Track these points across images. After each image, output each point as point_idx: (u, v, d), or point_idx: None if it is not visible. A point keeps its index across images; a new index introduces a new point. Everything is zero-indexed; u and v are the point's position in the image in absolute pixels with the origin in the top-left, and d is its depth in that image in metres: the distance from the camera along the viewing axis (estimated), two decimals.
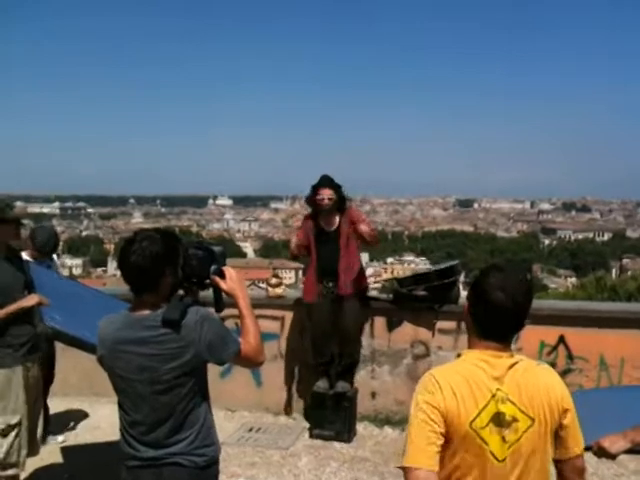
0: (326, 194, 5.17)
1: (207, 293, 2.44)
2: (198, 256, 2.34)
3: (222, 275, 2.37)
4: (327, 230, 5.29)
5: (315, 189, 5.23)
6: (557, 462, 1.95)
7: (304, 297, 5.46)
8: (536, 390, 1.86)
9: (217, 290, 2.39)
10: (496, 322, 1.89)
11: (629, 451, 2.21)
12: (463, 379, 1.85)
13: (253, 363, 2.40)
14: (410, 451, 1.82)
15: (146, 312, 2.21)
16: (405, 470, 1.81)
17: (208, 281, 2.36)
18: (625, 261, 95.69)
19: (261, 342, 2.36)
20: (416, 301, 5.45)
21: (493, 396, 1.83)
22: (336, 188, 5.21)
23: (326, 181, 5.22)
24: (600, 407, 1.99)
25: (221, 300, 2.43)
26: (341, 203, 5.23)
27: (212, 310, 2.34)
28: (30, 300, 3.58)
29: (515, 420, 1.83)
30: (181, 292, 2.32)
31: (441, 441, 1.82)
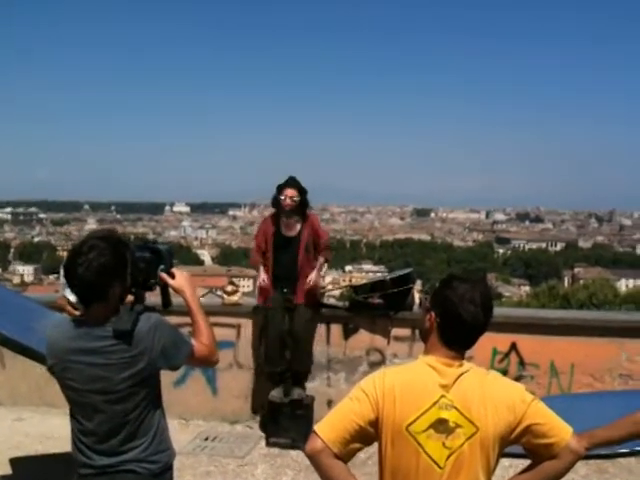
0: (289, 194, 5.18)
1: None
2: (146, 259, 2.31)
3: (170, 274, 2.35)
4: (287, 235, 5.29)
5: (280, 189, 5.24)
6: (553, 458, 1.88)
7: (258, 300, 5.46)
8: (482, 399, 1.86)
9: (164, 287, 2.36)
10: (463, 333, 1.93)
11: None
12: (409, 382, 1.89)
13: (207, 363, 2.40)
14: (327, 423, 1.89)
15: (94, 323, 2.17)
16: (313, 433, 1.89)
17: (153, 281, 2.32)
18: (577, 270, 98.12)
19: (214, 341, 2.36)
20: (372, 309, 5.49)
21: (435, 402, 1.85)
22: (301, 190, 5.22)
23: (291, 181, 5.25)
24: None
25: (167, 296, 2.40)
26: (303, 207, 5.24)
27: (159, 315, 2.27)
28: None
29: (458, 426, 1.84)
30: (130, 298, 2.27)
31: (358, 435, 1.87)
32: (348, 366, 5.69)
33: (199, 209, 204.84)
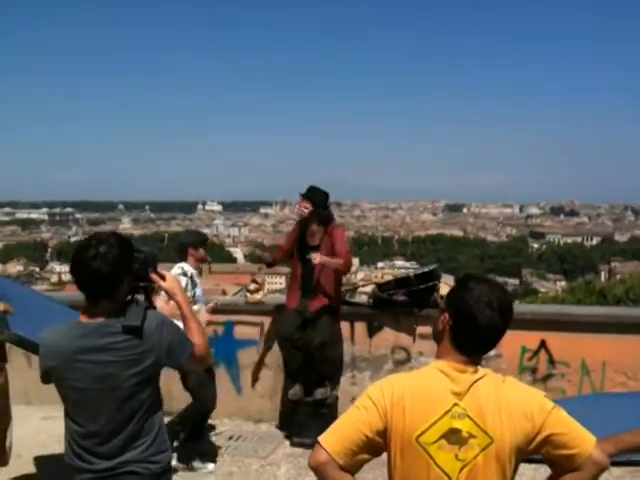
0: (302, 205, 5.25)
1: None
2: (139, 260, 2.29)
3: (160, 276, 2.34)
4: (310, 243, 5.24)
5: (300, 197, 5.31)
6: (575, 470, 1.77)
7: (286, 303, 5.41)
8: (497, 408, 1.75)
9: (147, 293, 2.35)
10: (478, 338, 1.81)
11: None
12: (420, 390, 1.78)
13: (204, 363, 2.38)
14: (332, 434, 1.79)
15: (102, 319, 2.14)
16: (317, 444, 1.78)
17: (144, 284, 2.31)
18: (613, 264, 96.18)
19: (207, 343, 2.35)
20: (396, 306, 5.40)
21: (447, 411, 1.75)
22: (314, 202, 5.21)
23: (307, 192, 5.27)
24: (581, 416, 1.89)
25: (151, 300, 2.39)
26: (321, 219, 5.21)
27: (166, 315, 2.29)
28: None
29: (472, 437, 1.74)
30: (129, 297, 2.25)
31: (365, 446, 1.77)
32: (373, 364, 5.61)
33: (231, 207, 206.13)
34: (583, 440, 1.76)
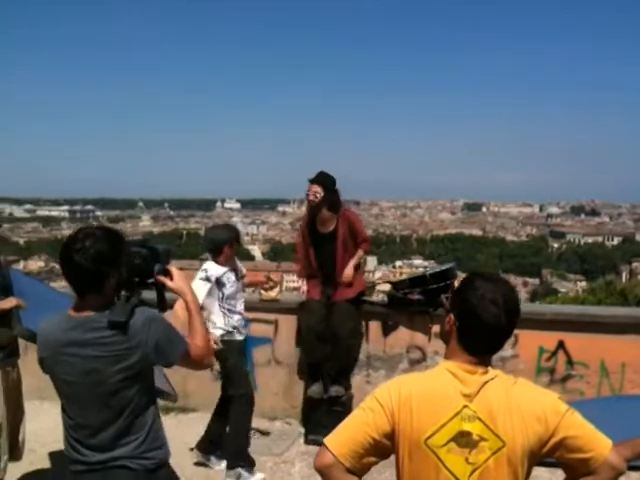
0: (312, 190, 5.06)
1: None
2: (142, 254, 2.28)
3: (167, 274, 2.31)
4: (322, 232, 5.19)
5: (309, 183, 5.15)
6: (590, 474, 1.72)
7: (307, 295, 5.43)
8: (508, 410, 1.71)
9: (160, 290, 2.33)
10: (484, 338, 1.77)
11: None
12: (428, 392, 1.74)
13: (201, 365, 2.33)
14: (338, 436, 1.76)
15: (90, 313, 2.13)
16: (323, 446, 1.75)
17: (151, 280, 2.29)
18: (635, 265, 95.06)
19: (209, 343, 2.32)
20: (411, 305, 5.35)
21: (457, 413, 1.70)
22: (326, 185, 5.07)
23: (316, 177, 5.11)
24: (599, 418, 1.83)
25: (164, 300, 2.38)
26: (331, 204, 5.10)
27: (154, 310, 2.27)
28: (7, 303, 3.50)
29: (483, 440, 1.69)
30: (123, 292, 2.23)
31: (372, 448, 1.73)
32: (388, 363, 5.56)
33: (249, 205, 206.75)
34: (598, 444, 1.71)
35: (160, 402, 4.80)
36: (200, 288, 4.32)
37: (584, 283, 70.89)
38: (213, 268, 4.52)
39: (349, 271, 5.17)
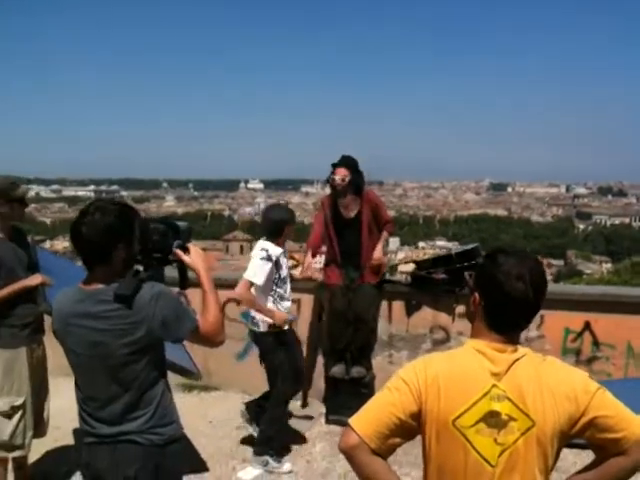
0: (340, 174, 4.95)
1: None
2: (159, 230, 2.28)
3: (186, 251, 2.32)
4: (346, 216, 5.11)
5: (333, 168, 5.03)
6: (620, 454, 1.68)
7: (327, 281, 5.33)
8: (538, 389, 1.66)
9: (182, 267, 2.35)
10: (512, 315, 1.72)
11: None
12: (456, 371, 1.70)
13: (212, 342, 2.31)
14: (363, 416, 1.73)
15: (99, 286, 2.14)
16: (348, 427, 1.73)
17: (172, 257, 2.30)
18: None
19: (221, 321, 2.30)
20: (435, 284, 5.29)
21: (486, 393, 1.66)
22: (352, 169, 4.98)
23: (344, 160, 5.00)
24: (625, 399, 1.78)
25: (186, 277, 2.39)
26: (357, 187, 5.02)
27: (164, 285, 2.24)
28: (34, 280, 3.52)
29: (512, 420, 1.65)
30: (139, 267, 2.24)
31: (398, 429, 1.69)
32: (411, 344, 5.53)
33: (272, 185, 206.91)
34: (630, 423, 1.67)
35: (183, 380, 4.88)
36: (262, 268, 4.20)
37: (609, 265, 69.95)
38: (272, 247, 4.30)
39: (378, 254, 5.13)
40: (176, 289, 2.40)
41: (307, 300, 5.75)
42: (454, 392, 1.67)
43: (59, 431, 4.43)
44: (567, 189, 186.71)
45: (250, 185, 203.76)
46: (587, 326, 5.13)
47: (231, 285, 5.68)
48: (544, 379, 1.68)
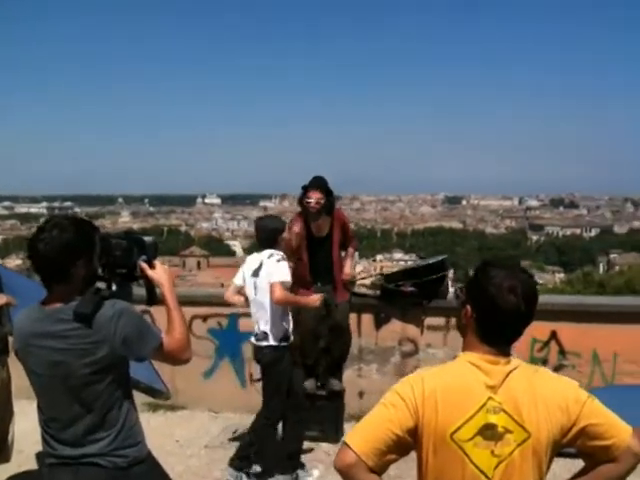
0: (315, 197, 4.91)
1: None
2: (122, 246, 2.23)
3: (151, 266, 2.28)
4: (317, 236, 5.10)
5: (305, 190, 5.00)
6: (611, 461, 1.70)
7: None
8: (532, 401, 1.67)
9: (148, 283, 2.30)
10: (504, 327, 1.73)
11: None
12: (452, 385, 1.70)
13: (177, 360, 2.26)
14: (359, 434, 1.70)
15: (58, 305, 2.09)
16: (344, 444, 1.70)
17: (137, 273, 2.26)
18: (612, 257, 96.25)
19: (187, 338, 2.25)
20: (404, 297, 5.31)
21: (483, 406, 1.66)
22: (325, 190, 4.98)
23: (316, 183, 4.98)
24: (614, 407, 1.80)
25: (154, 293, 2.33)
26: (330, 208, 5.02)
27: (126, 303, 2.18)
28: None
29: (508, 432, 1.65)
30: (102, 284, 2.19)
31: (394, 445, 1.68)
32: (380, 357, 5.53)
33: (230, 200, 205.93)
34: (619, 430, 1.69)
35: (148, 399, 4.77)
36: (285, 267, 4.15)
37: (562, 275, 71.64)
38: (276, 252, 4.25)
39: (349, 270, 5.21)
40: (142, 307, 2.36)
41: None
42: (451, 406, 1.67)
43: (22, 455, 4.29)
44: (520, 201, 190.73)
45: (207, 200, 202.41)
46: (553, 335, 5.21)
47: (194, 302, 5.65)
48: (538, 390, 1.69)
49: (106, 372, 2.09)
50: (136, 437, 2.22)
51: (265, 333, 4.27)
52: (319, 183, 4.98)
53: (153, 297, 2.34)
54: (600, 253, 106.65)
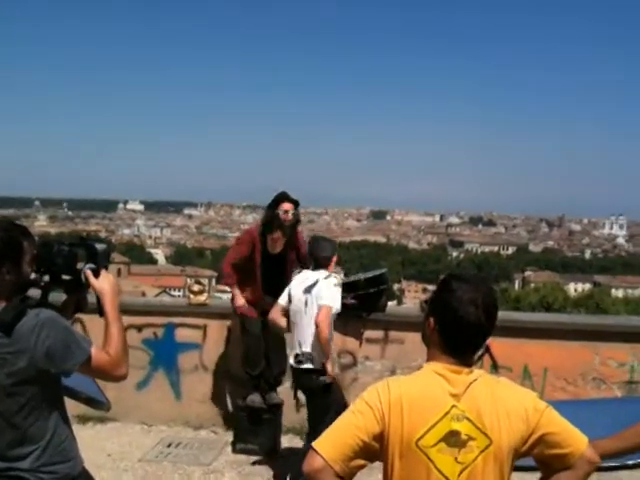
0: (288, 208, 4.94)
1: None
2: (63, 253, 2.16)
3: (96, 273, 2.19)
4: (271, 253, 5.05)
5: (277, 202, 4.97)
6: (567, 469, 1.76)
7: (248, 313, 5.14)
8: (494, 409, 1.73)
9: (84, 289, 2.23)
10: (465, 338, 1.78)
11: None
12: (418, 393, 1.74)
13: (109, 376, 2.14)
14: (327, 439, 1.74)
15: None
16: (311, 450, 1.73)
17: (84, 281, 2.18)
18: (528, 274, 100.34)
19: (124, 354, 2.12)
20: (345, 309, 5.31)
21: (447, 413, 1.71)
22: (295, 203, 5.02)
23: (287, 195, 5.02)
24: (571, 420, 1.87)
25: (84, 299, 2.30)
26: (297, 221, 5.06)
27: (53, 312, 2.08)
28: None
29: (471, 439, 1.70)
30: (33, 292, 2.11)
31: (361, 451, 1.72)
32: None
33: (153, 207, 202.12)
34: (576, 439, 1.76)
35: (77, 411, 4.60)
36: (339, 294, 4.13)
37: None
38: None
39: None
40: (78, 315, 2.31)
41: (214, 325, 5.61)
42: (417, 413, 1.71)
43: None
44: (441, 218, 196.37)
45: (129, 206, 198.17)
46: (487, 349, 5.34)
47: (130, 311, 5.47)
48: (499, 399, 1.74)
49: (29, 384, 1.98)
50: (67, 453, 2.11)
51: (310, 354, 4.13)
52: (289, 196, 5.01)
53: (103, 311, 2.21)
54: (516, 270, 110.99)
